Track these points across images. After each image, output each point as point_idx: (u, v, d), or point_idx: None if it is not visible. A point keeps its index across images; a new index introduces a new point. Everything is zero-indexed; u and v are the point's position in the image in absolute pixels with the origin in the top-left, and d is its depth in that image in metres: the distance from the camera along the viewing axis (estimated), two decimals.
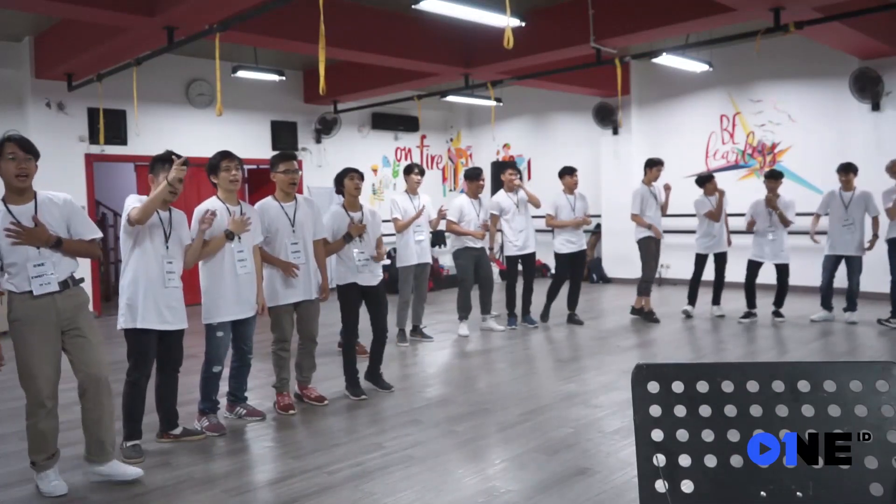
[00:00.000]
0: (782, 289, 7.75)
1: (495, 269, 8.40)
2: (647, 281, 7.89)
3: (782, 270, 7.70)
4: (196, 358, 4.51)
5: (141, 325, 3.90)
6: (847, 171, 7.45)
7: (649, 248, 7.81)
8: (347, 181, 5.16)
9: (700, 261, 8.01)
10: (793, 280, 7.82)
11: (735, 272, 8.42)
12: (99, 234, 3.65)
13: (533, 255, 7.70)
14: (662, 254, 8.09)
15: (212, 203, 4.38)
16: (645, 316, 7.91)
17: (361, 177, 5.25)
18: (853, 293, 7.43)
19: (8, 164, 3.33)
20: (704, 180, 8.01)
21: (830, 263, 7.55)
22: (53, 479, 3.50)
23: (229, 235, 4.28)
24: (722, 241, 7.95)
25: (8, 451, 4.14)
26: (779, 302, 7.78)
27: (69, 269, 3.52)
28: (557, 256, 7.85)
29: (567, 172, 7.80)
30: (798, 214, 7.79)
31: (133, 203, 3.86)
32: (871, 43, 8.04)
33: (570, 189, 7.78)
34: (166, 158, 3.91)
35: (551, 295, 7.91)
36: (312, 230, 4.90)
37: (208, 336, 4.40)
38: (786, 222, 7.51)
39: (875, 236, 7.39)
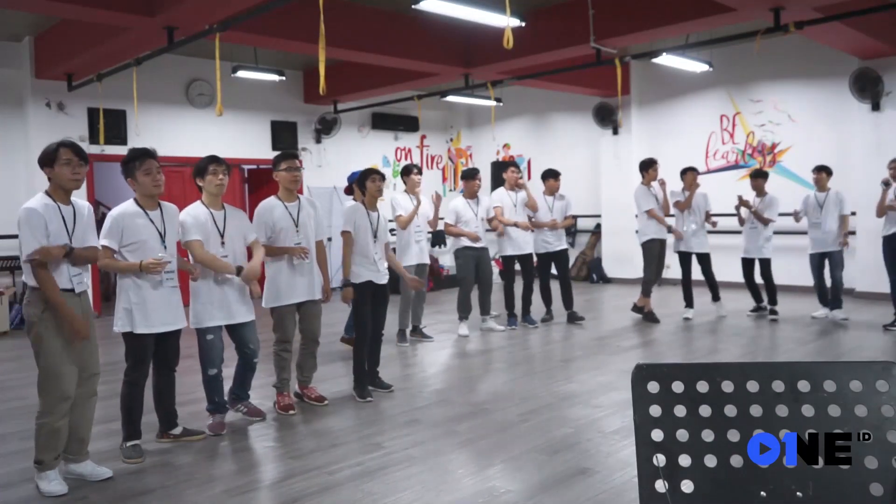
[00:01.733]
0: (767, 285, 7.83)
1: (495, 270, 8.40)
2: (648, 282, 7.90)
3: (763, 266, 7.84)
4: (194, 358, 4.51)
5: (139, 330, 3.90)
6: (820, 171, 7.63)
7: (652, 251, 7.84)
8: (369, 183, 5.17)
9: (683, 260, 8.00)
10: (792, 280, 7.85)
11: (732, 272, 8.44)
12: (97, 243, 3.75)
13: (530, 255, 7.71)
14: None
15: (196, 208, 4.36)
16: (645, 316, 7.92)
17: (383, 178, 5.27)
18: (837, 289, 7.51)
19: (63, 169, 3.49)
20: (683, 172, 8.03)
21: (815, 261, 7.70)
22: (53, 479, 3.51)
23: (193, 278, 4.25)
24: (700, 239, 7.91)
25: (8, 450, 4.13)
26: (771, 300, 7.82)
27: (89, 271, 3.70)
28: (537, 256, 7.92)
29: (551, 176, 7.90)
30: (789, 214, 7.84)
31: (107, 230, 3.82)
32: (871, 43, 8.04)
33: (550, 191, 7.84)
34: (135, 158, 3.91)
35: (545, 297, 7.98)
36: (315, 231, 4.90)
37: (199, 340, 4.40)
38: (762, 220, 7.72)
39: (844, 235, 7.50)
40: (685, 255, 7.98)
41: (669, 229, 7.90)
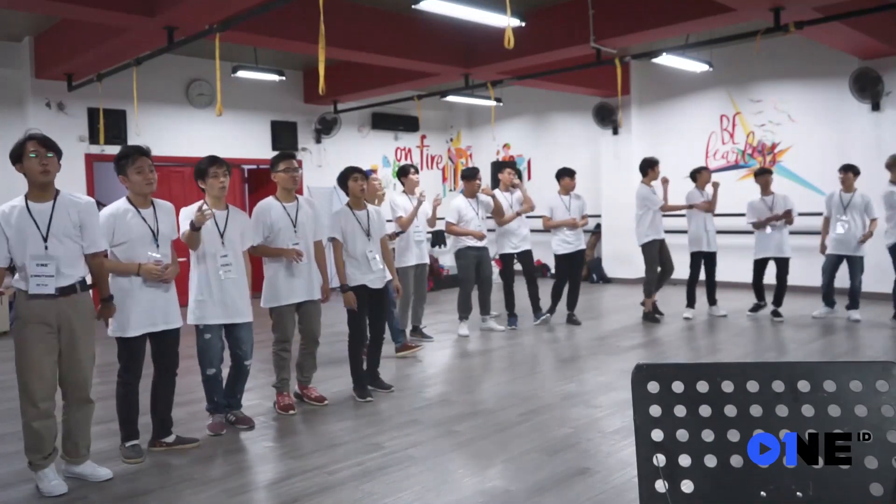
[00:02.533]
0: (781, 285, 7.74)
1: (495, 269, 8.39)
2: (649, 283, 7.91)
3: (782, 265, 7.70)
4: (195, 358, 4.50)
5: (130, 333, 3.85)
6: (847, 171, 7.47)
7: (652, 252, 7.85)
8: (351, 182, 5.10)
9: (695, 260, 7.99)
10: (793, 280, 7.82)
11: (733, 272, 8.43)
12: (104, 248, 3.67)
13: (529, 252, 7.70)
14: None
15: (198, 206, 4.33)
16: (645, 316, 7.92)
17: (365, 176, 5.18)
18: (855, 292, 7.43)
19: (31, 162, 3.40)
20: (696, 172, 8.01)
21: (830, 263, 7.56)
22: (53, 479, 3.50)
23: (194, 227, 4.10)
24: (712, 238, 7.93)
25: (8, 451, 4.14)
26: (777, 301, 7.77)
27: (80, 273, 3.54)
28: (556, 257, 7.89)
29: (566, 174, 7.81)
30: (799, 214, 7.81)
31: (103, 230, 3.74)
32: (871, 43, 8.04)
33: (566, 190, 7.81)
34: (127, 155, 3.86)
35: (555, 296, 7.95)
36: (313, 231, 4.89)
37: (197, 338, 4.37)
38: (790, 219, 7.53)
39: (869, 233, 7.39)
40: (698, 255, 7.97)
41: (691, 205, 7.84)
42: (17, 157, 3.42)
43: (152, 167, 3.90)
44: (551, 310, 7.99)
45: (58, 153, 3.49)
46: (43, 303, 3.40)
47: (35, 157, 3.39)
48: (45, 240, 3.40)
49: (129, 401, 3.96)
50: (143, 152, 3.90)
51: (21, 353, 3.41)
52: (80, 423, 3.63)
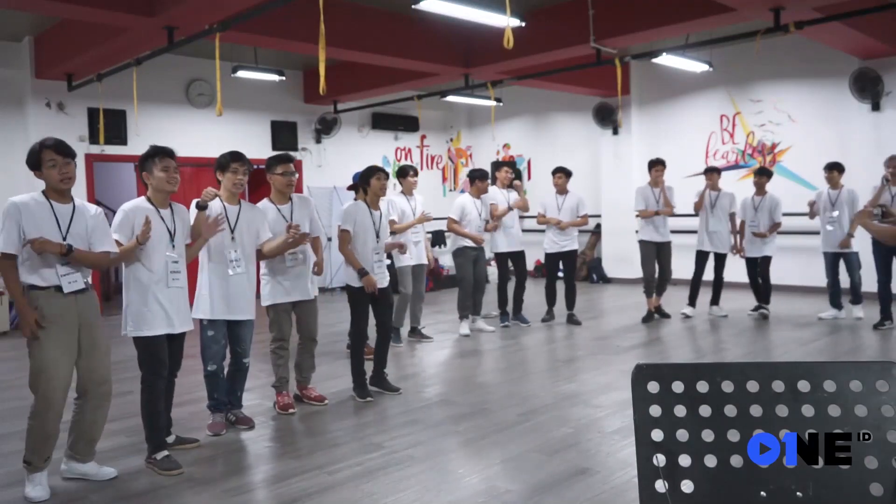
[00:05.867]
0: (765, 283, 7.78)
1: (493, 270, 8.40)
2: (644, 280, 7.94)
3: (763, 263, 7.76)
4: (196, 358, 4.50)
5: (147, 332, 3.82)
6: (832, 169, 7.53)
7: (643, 252, 7.94)
8: (374, 181, 5.12)
9: (699, 259, 8.01)
10: (793, 280, 7.82)
11: (733, 272, 8.41)
12: (114, 248, 3.67)
13: (521, 253, 7.73)
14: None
15: (213, 202, 4.34)
16: (645, 317, 7.92)
17: (388, 176, 5.24)
18: (856, 287, 7.46)
19: (50, 172, 3.43)
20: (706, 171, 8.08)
21: (828, 261, 7.61)
22: (38, 484, 3.48)
23: (200, 206, 4.12)
24: (721, 239, 7.92)
25: (8, 450, 4.14)
26: (765, 298, 7.79)
27: (88, 273, 3.61)
28: (545, 255, 7.96)
29: (553, 172, 7.93)
30: (790, 214, 7.81)
31: (117, 224, 3.77)
32: (871, 43, 8.04)
33: (558, 189, 7.84)
34: (154, 154, 3.87)
35: (547, 295, 8.02)
36: (309, 229, 4.89)
37: (200, 333, 4.37)
38: (774, 227, 7.66)
39: (850, 235, 7.32)
40: (703, 254, 8.00)
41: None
42: (35, 164, 3.46)
43: (177, 169, 3.92)
44: (549, 313, 8.00)
45: (73, 157, 3.53)
46: (66, 301, 3.43)
47: (54, 167, 3.42)
48: (64, 240, 3.43)
49: (155, 405, 3.86)
50: (169, 153, 3.91)
51: (40, 353, 3.38)
52: (98, 421, 3.64)
